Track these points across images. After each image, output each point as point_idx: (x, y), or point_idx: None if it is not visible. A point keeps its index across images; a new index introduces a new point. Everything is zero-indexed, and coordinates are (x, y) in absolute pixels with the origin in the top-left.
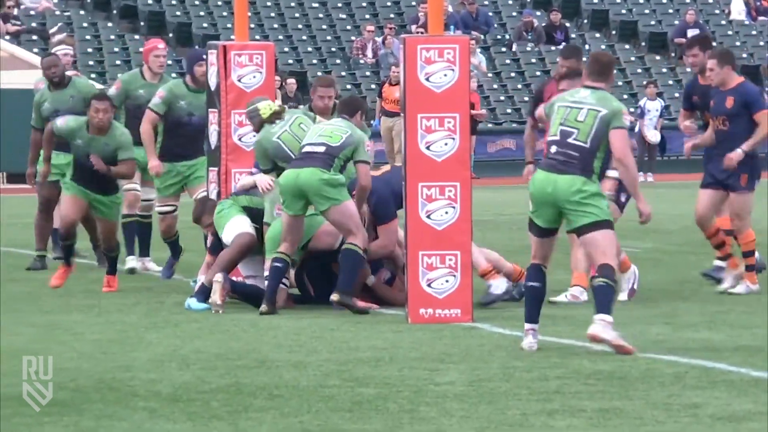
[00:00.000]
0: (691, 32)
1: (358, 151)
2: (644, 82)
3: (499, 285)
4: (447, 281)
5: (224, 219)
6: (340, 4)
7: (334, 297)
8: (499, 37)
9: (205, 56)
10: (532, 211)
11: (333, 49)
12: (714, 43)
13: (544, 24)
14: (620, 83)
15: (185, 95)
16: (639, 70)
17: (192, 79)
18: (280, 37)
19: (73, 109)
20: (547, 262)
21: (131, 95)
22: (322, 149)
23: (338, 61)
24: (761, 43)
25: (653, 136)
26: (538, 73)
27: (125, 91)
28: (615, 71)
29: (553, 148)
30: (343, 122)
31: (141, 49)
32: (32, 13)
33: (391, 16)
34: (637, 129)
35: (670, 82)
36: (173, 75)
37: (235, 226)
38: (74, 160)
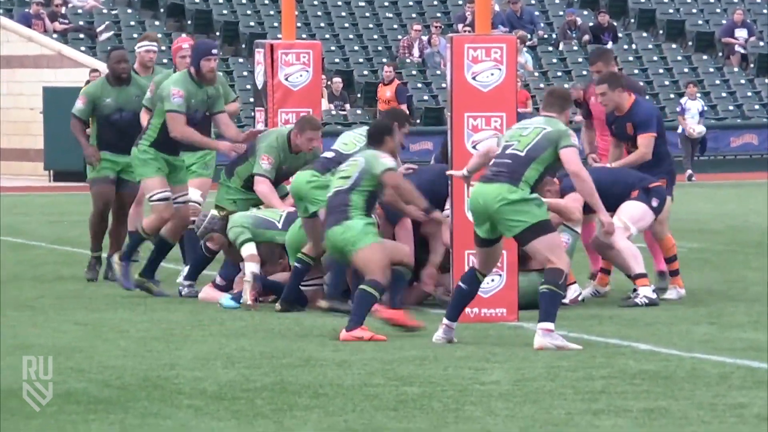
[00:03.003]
0: (739, 32)
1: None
2: (687, 82)
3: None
4: (492, 280)
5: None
6: (386, 3)
7: (323, 304)
8: (545, 36)
9: (214, 50)
10: (474, 222)
11: (379, 48)
12: (761, 43)
13: (591, 24)
14: (666, 83)
15: (196, 92)
16: (685, 70)
17: (197, 73)
18: (327, 36)
19: (137, 108)
20: (486, 269)
21: None
22: (331, 155)
23: (384, 60)
24: None
25: (697, 130)
26: (584, 72)
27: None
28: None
29: (492, 161)
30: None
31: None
32: (79, 11)
33: (438, 15)
34: (680, 129)
35: (717, 82)
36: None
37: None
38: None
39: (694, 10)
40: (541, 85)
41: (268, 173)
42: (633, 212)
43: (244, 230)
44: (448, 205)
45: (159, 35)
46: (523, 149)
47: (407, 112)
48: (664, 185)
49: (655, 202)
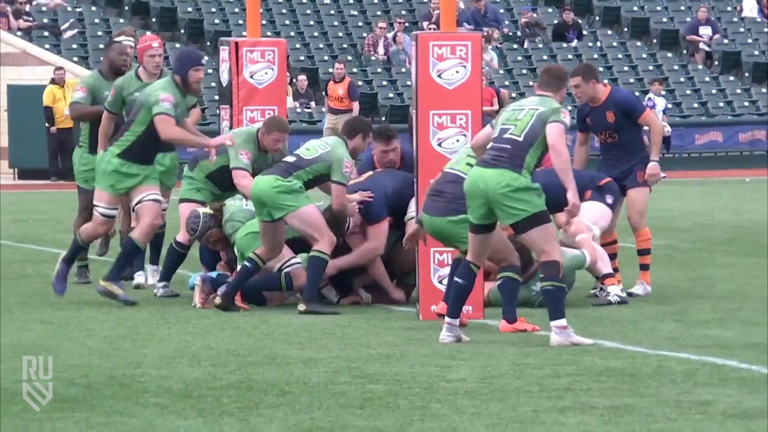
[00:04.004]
0: (703, 29)
1: (334, 171)
2: (651, 79)
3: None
4: None
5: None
6: (351, 1)
7: (301, 307)
8: (510, 33)
9: (204, 60)
10: (468, 207)
11: (344, 46)
12: (725, 40)
13: (556, 22)
14: (632, 80)
15: (180, 102)
16: (650, 67)
17: (183, 82)
18: (292, 33)
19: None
20: (480, 260)
21: (127, 101)
22: (292, 159)
23: (350, 58)
24: None
25: (666, 127)
26: None
27: (120, 97)
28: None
29: (490, 145)
30: (332, 140)
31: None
32: (44, 9)
33: (403, 12)
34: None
35: (682, 79)
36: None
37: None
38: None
39: (659, 8)
40: (506, 83)
41: (248, 167)
42: (591, 213)
43: (242, 225)
44: (412, 208)
45: None
46: (521, 134)
47: (369, 122)
48: (613, 182)
49: (609, 199)
